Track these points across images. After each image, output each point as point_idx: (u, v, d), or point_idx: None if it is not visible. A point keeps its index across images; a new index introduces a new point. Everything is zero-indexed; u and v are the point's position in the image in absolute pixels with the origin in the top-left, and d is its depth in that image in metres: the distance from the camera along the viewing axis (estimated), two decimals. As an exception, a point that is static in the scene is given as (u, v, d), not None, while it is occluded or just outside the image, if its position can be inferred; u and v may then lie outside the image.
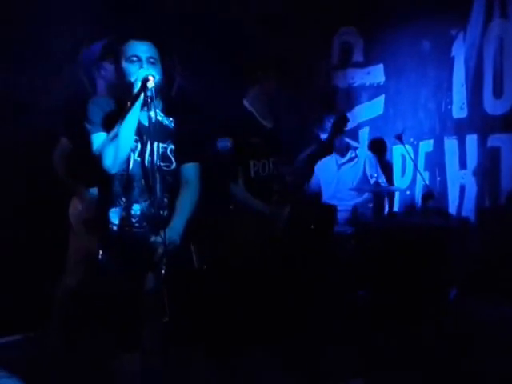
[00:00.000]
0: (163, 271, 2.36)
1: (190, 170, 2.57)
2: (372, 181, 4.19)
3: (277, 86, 3.13)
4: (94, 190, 2.78)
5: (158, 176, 2.46)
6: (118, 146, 2.34)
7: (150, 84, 2.28)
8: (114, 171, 2.40)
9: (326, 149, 4.49)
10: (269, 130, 3.17)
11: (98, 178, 2.52)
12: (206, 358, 3.11)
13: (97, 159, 2.38)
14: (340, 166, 4.48)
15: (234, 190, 3.09)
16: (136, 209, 2.48)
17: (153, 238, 2.40)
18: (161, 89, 2.43)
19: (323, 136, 4.56)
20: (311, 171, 4.54)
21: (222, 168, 3.08)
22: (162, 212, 2.49)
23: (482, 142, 4.12)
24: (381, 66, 4.78)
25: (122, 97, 2.44)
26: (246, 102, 3.15)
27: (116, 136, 2.33)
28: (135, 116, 2.36)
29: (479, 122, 4.14)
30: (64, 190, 3.20)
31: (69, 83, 3.32)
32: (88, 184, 2.98)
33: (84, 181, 3.02)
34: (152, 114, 2.31)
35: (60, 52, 3.59)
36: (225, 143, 3.00)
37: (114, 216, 2.50)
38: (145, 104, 2.32)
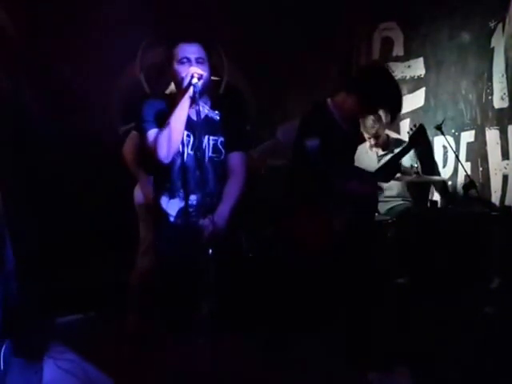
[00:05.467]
0: (210, 252, 2.48)
1: (235, 158, 2.71)
2: (412, 171, 4.23)
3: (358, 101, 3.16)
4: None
5: (210, 167, 2.64)
6: (170, 137, 2.51)
7: (195, 80, 2.47)
8: (167, 161, 2.57)
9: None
10: (344, 131, 3.23)
11: (156, 166, 2.67)
12: (254, 341, 3.24)
13: (151, 151, 2.59)
14: (380, 157, 4.52)
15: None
16: (192, 199, 2.64)
17: (200, 221, 2.56)
18: (208, 85, 2.61)
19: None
20: None
21: (314, 166, 3.10)
22: (215, 200, 2.63)
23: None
24: (421, 60, 4.78)
25: (174, 95, 2.63)
26: (328, 101, 3.24)
27: (167, 127, 2.51)
28: (184, 108, 2.53)
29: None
30: (131, 179, 3.44)
31: (130, 84, 3.58)
32: (149, 172, 3.17)
33: (146, 169, 3.24)
34: (199, 108, 2.48)
35: (120, 55, 3.84)
36: (314, 142, 3.04)
37: (172, 207, 2.67)
38: (193, 100, 2.50)
